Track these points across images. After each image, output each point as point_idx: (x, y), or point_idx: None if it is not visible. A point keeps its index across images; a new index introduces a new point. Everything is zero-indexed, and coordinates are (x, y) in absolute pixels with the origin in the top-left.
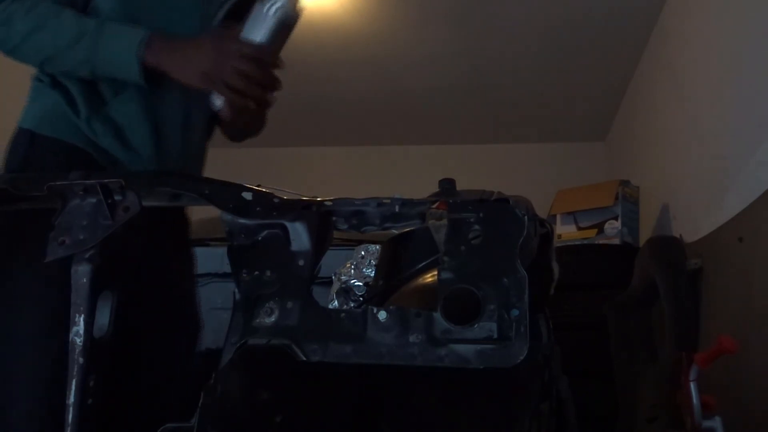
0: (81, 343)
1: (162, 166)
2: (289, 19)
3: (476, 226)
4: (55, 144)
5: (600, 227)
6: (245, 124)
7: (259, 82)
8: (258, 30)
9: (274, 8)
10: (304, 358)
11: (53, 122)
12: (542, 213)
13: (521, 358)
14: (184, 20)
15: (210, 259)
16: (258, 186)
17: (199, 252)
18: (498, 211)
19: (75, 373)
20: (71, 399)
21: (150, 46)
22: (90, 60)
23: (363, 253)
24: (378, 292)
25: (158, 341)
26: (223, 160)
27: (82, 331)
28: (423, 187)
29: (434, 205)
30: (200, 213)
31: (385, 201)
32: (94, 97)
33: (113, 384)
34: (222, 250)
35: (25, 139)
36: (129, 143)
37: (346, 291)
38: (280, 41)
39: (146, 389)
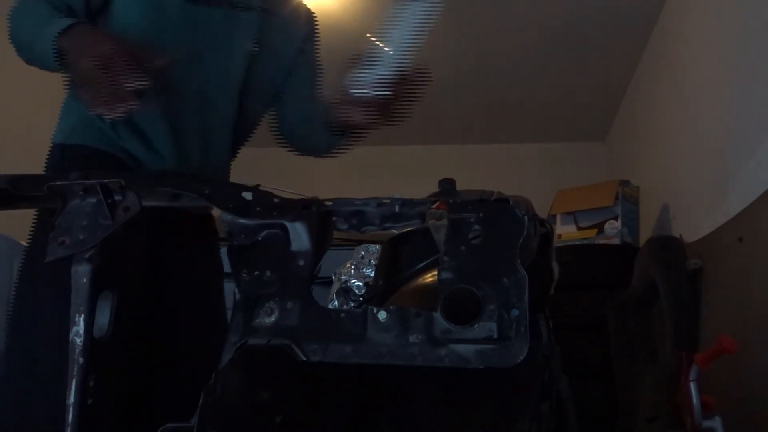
0: (81, 343)
1: (183, 169)
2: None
3: (476, 226)
4: (83, 150)
5: (600, 227)
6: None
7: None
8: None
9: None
10: (304, 358)
11: (81, 130)
12: (542, 213)
13: (521, 358)
14: (214, 45)
15: None
16: (258, 186)
17: None
18: (498, 211)
19: (75, 373)
20: (71, 399)
21: (67, 33)
22: (36, 54)
23: (363, 253)
24: (378, 292)
25: (192, 340)
26: None
27: (82, 331)
28: (423, 187)
29: (434, 205)
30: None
31: (385, 201)
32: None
33: (149, 383)
34: (222, 250)
35: (57, 153)
36: (151, 144)
37: (346, 291)
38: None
39: (183, 388)
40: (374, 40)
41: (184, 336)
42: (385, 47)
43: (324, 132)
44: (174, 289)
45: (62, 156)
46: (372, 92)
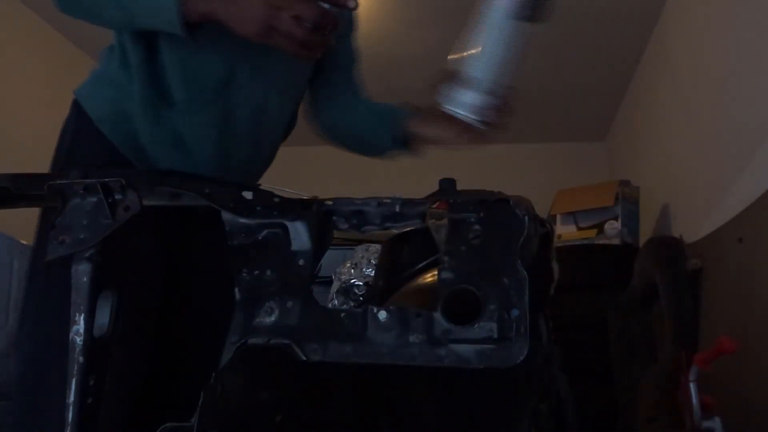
0: (81, 343)
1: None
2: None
3: (476, 226)
4: (101, 139)
5: (600, 227)
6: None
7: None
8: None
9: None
10: (305, 358)
11: (112, 120)
12: (542, 213)
13: (521, 358)
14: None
15: None
16: (258, 185)
17: None
18: (498, 211)
19: (75, 373)
20: (71, 398)
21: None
22: (127, 6)
23: (363, 252)
24: (378, 292)
25: (204, 335)
26: None
27: (82, 331)
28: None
29: (434, 205)
30: None
31: (385, 201)
32: (161, 98)
33: (163, 382)
34: None
35: (85, 124)
36: (190, 155)
37: (346, 290)
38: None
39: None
40: (475, 59)
41: (192, 337)
42: (486, 70)
43: (386, 135)
44: (187, 288)
45: (90, 132)
46: (463, 113)
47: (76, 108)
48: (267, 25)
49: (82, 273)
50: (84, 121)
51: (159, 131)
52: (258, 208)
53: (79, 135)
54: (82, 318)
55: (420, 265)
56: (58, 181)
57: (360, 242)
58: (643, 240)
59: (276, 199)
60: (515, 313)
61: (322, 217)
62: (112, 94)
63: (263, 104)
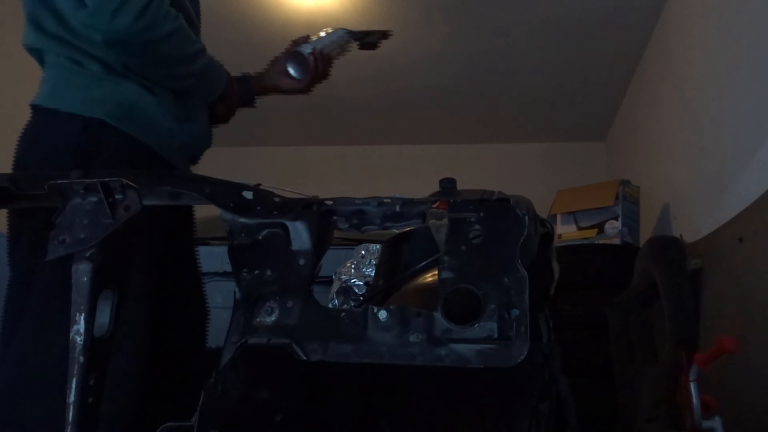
0: (81, 342)
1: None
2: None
3: (477, 226)
4: (126, 139)
5: (600, 227)
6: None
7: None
8: (327, 39)
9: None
10: (305, 358)
11: (128, 116)
12: (542, 213)
13: (521, 358)
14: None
15: (211, 258)
16: (259, 185)
17: (200, 251)
18: (499, 211)
19: (75, 372)
20: (71, 398)
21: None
22: (202, 74)
23: (363, 252)
24: (378, 292)
25: (182, 329)
26: (224, 160)
27: (82, 330)
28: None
29: (435, 205)
30: (201, 212)
31: (385, 200)
32: (185, 108)
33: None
34: (222, 249)
35: (98, 128)
36: (200, 141)
37: (346, 290)
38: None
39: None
40: (316, 41)
41: (172, 327)
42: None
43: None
44: (176, 285)
45: (101, 133)
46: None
47: (97, 123)
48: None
49: (82, 273)
50: (106, 127)
51: (184, 125)
52: (258, 207)
53: (104, 132)
54: (82, 318)
55: (420, 265)
56: (58, 181)
57: (360, 242)
58: (643, 240)
59: (276, 199)
60: (515, 312)
61: (323, 217)
62: (131, 89)
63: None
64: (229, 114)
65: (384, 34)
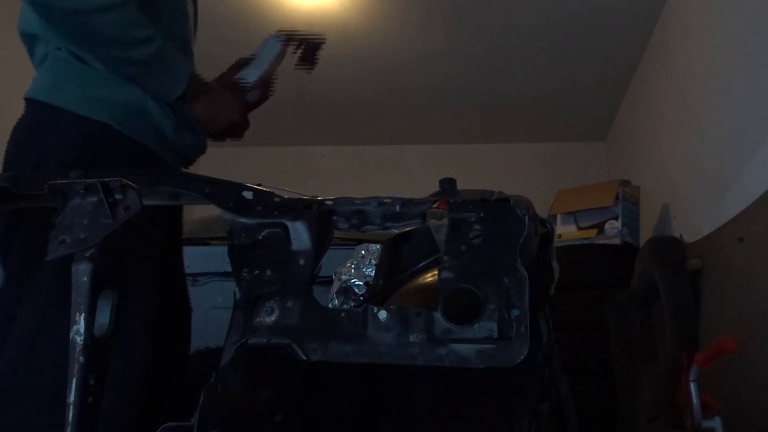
0: (81, 342)
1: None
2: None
3: (477, 226)
4: (129, 141)
5: (600, 227)
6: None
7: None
8: (266, 59)
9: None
10: (305, 358)
11: (132, 118)
12: (542, 213)
13: (521, 357)
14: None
15: (210, 258)
16: (258, 185)
17: (200, 251)
18: (499, 211)
19: (75, 372)
20: (71, 398)
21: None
22: (146, 64)
23: (363, 252)
24: (378, 292)
25: (169, 329)
26: (224, 160)
27: (82, 330)
28: (423, 187)
29: (435, 205)
30: (201, 212)
31: (385, 200)
32: (183, 114)
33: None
34: (222, 249)
35: (100, 132)
36: (197, 150)
37: (346, 290)
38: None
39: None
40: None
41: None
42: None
43: None
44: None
45: (109, 138)
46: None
47: (99, 126)
48: (236, 124)
49: (82, 273)
50: (108, 129)
51: (183, 130)
52: (258, 207)
53: (109, 135)
54: (82, 318)
55: (420, 265)
56: (58, 181)
57: (360, 242)
58: (643, 240)
59: (276, 199)
60: (515, 312)
61: (323, 217)
62: (133, 92)
63: None
64: (214, 125)
65: (314, 42)
